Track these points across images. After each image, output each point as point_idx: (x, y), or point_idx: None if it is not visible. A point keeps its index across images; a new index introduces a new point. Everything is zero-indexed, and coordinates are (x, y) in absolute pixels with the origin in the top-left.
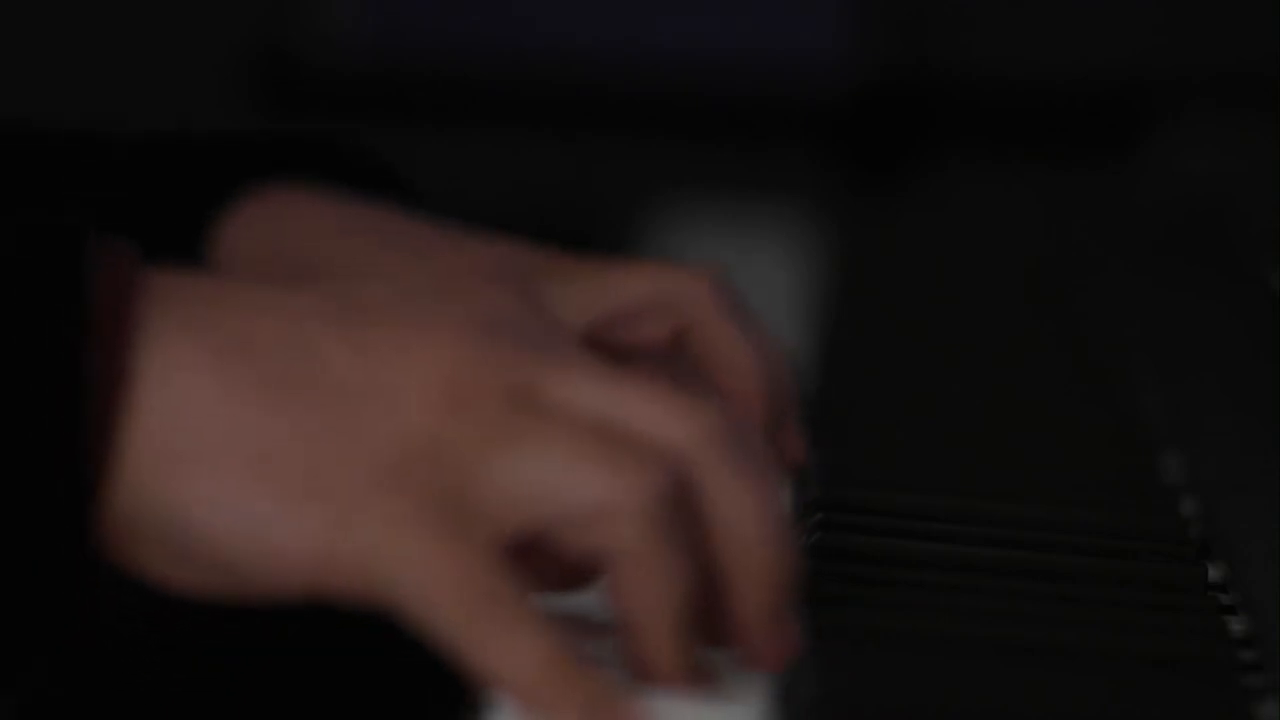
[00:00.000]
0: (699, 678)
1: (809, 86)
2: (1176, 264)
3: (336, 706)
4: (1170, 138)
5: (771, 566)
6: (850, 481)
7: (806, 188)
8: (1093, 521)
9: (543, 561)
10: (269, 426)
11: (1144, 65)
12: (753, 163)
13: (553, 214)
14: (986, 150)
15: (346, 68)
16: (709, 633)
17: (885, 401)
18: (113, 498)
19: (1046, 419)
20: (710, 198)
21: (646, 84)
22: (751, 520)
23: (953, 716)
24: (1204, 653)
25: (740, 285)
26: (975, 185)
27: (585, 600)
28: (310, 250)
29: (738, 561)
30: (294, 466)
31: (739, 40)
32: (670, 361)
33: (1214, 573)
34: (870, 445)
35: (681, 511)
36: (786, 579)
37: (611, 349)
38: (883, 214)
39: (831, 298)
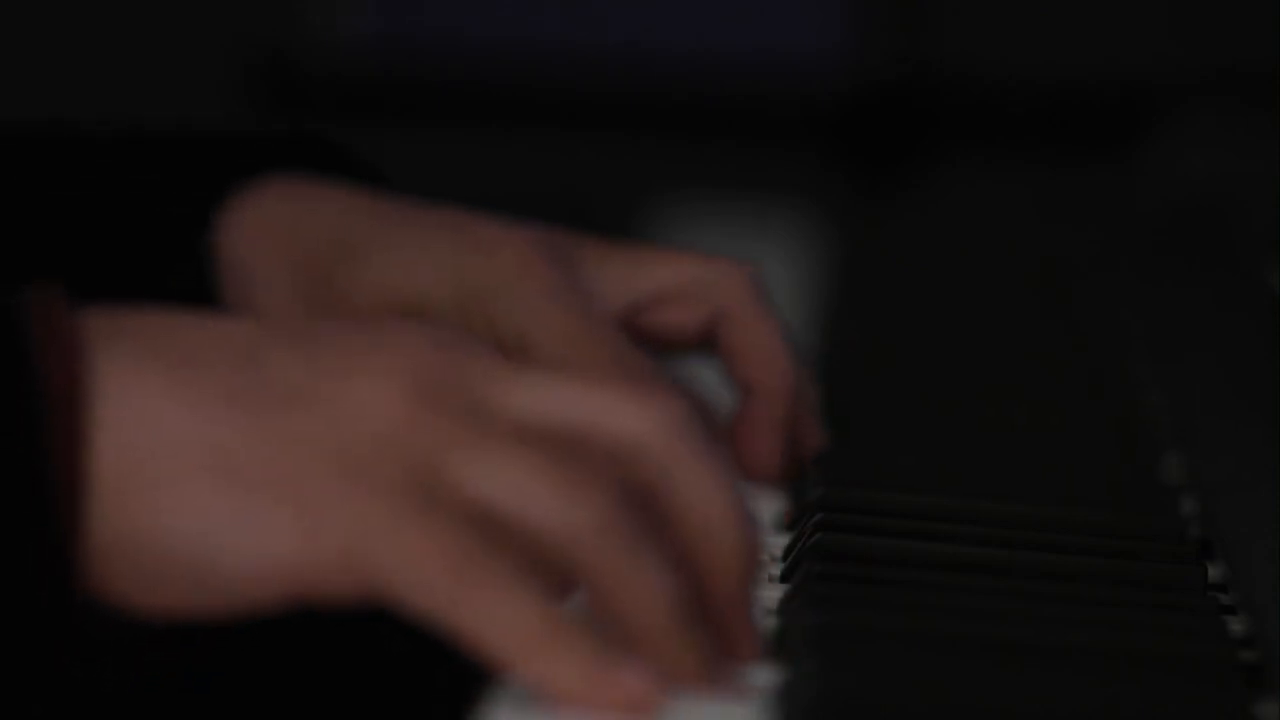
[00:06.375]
0: (720, 674)
1: (809, 86)
2: (1176, 264)
3: (337, 707)
4: (1170, 137)
5: (740, 552)
6: (850, 481)
7: (807, 187)
8: (1093, 521)
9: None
10: (227, 435)
11: (1144, 65)
12: (753, 162)
13: (553, 214)
14: (987, 150)
15: (347, 70)
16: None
17: (885, 401)
18: (89, 537)
19: (1047, 419)
20: (710, 198)
21: (646, 84)
22: (717, 507)
23: (952, 716)
24: (1204, 653)
25: None
26: (975, 185)
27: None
28: (344, 234)
29: (705, 550)
30: (256, 472)
31: (739, 40)
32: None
33: (1214, 573)
34: (870, 445)
35: (642, 514)
36: (755, 564)
37: (642, 332)
38: (883, 213)
39: (831, 297)
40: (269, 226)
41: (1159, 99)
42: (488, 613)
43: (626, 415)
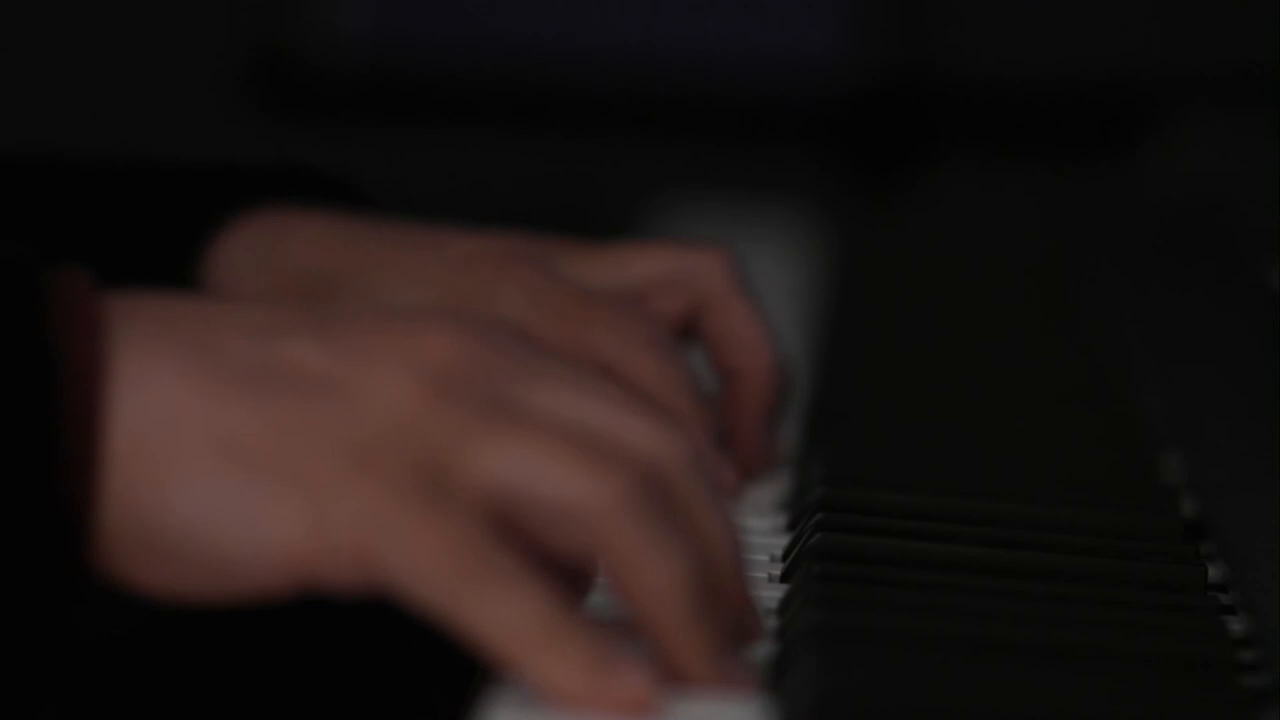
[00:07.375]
0: (732, 672)
1: (809, 86)
2: (1176, 263)
3: (337, 705)
4: (1170, 137)
5: (738, 593)
6: (850, 481)
7: (806, 188)
8: (1093, 521)
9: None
10: (238, 420)
11: (1144, 65)
12: (753, 163)
13: (553, 214)
14: (986, 150)
15: (347, 68)
16: None
17: (885, 401)
18: (101, 514)
19: (1046, 419)
20: (710, 198)
21: (646, 84)
22: (720, 546)
23: (952, 716)
24: (1204, 653)
25: None
26: (975, 185)
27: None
28: (322, 261)
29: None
30: (266, 458)
31: (739, 41)
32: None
33: (1214, 573)
34: (870, 445)
35: (662, 505)
36: (752, 605)
37: None
38: (883, 214)
39: (831, 298)
40: (257, 257)
41: (1159, 99)
42: (489, 610)
43: (650, 436)
